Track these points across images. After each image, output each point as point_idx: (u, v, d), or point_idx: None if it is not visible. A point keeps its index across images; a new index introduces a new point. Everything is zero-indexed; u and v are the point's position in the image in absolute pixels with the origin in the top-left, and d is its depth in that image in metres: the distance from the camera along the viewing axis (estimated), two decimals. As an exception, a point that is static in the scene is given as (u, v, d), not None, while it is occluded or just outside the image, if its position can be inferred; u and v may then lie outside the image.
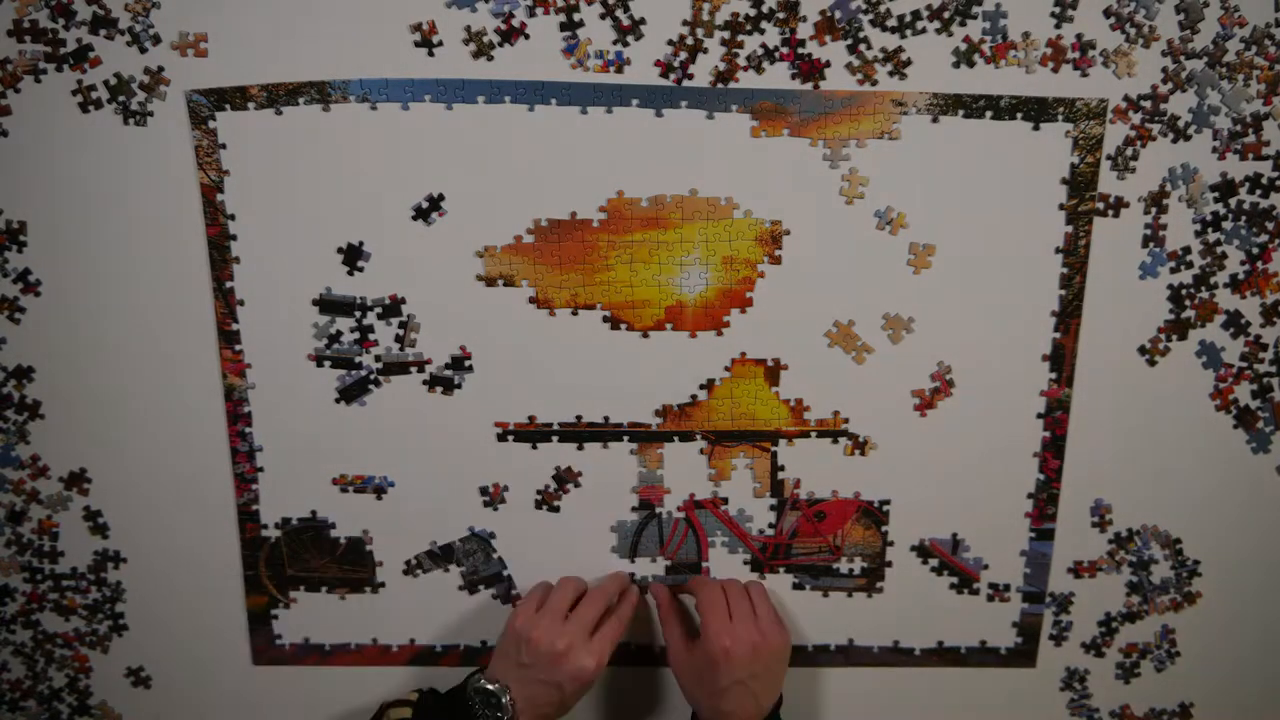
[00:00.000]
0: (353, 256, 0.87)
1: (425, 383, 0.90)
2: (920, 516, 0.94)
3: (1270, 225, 0.87)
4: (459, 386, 0.90)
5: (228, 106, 0.83)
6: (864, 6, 0.82)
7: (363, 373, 0.89)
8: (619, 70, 0.83)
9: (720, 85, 0.83)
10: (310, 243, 0.86)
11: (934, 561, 0.95)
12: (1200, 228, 0.87)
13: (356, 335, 0.89)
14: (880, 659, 0.97)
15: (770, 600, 0.90)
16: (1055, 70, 0.83)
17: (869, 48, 0.83)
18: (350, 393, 0.90)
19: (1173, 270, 0.88)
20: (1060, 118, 0.84)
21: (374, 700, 0.94)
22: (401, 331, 0.89)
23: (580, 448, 0.92)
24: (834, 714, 0.99)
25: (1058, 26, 0.82)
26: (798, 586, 0.96)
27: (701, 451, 0.92)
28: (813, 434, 0.91)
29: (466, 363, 0.90)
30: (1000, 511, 0.94)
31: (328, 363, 0.89)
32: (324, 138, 0.84)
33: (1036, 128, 0.84)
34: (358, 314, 0.88)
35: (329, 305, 0.88)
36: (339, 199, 0.85)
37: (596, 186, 0.85)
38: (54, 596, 0.95)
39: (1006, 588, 0.96)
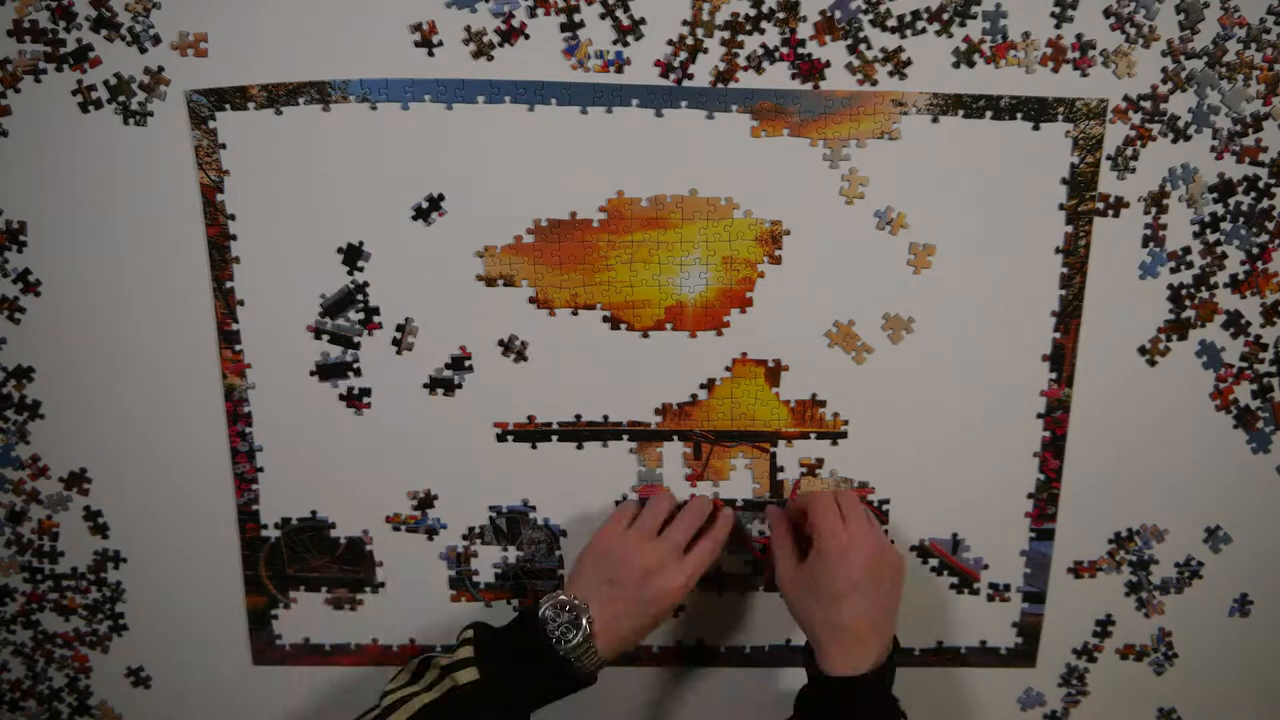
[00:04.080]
0: (353, 256, 0.87)
1: (425, 385, 0.90)
2: (920, 516, 0.94)
3: (1270, 225, 0.87)
4: (459, 386, 0.90)
5: (228, 106, 0.83)
6: (864, 6, 0.82)
7: (361, 376, 0.89)
8: (619, 70, 0.83)
9: (720, 85, 0.84)
10: (310, 243, 0.86)
11: (934, 561, 0.95)
12: (1200, 228, 0.87)
13: (357, 335, 0.89)
14: (880, 659, 0.97)
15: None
16: (1055, 70, 0.83)
17: (869, 48, 0.83)
18: (351, 396, 0.90)
19: (1173, 270, 0.88)
20: (1060, 118, 0.84)
21: (373, 700, 0.94)
22: (399, 335, 0.89)
23: (580, 447, 0.92)
24: (834, 714, 0.99)
25: (1058, 26, 0.82)
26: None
27: (684, 461, 0.92)
28: (812, 435, 0.91)
29: (466, 363, 0.90)
30: (1000, 511, 0.94)
31: (328, 365, 0.89)
32: (324, 138, 0.84)
33: (1036, 128, 0.84)
34: (358, 314, 0.88)
35: (329, 305, 0.88)
36: (339, 199, 0.85)
37: (596, 186, 0.85)
38: (54, 596, 0.95)
39: (1006, 588, 0.96)
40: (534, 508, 0.93)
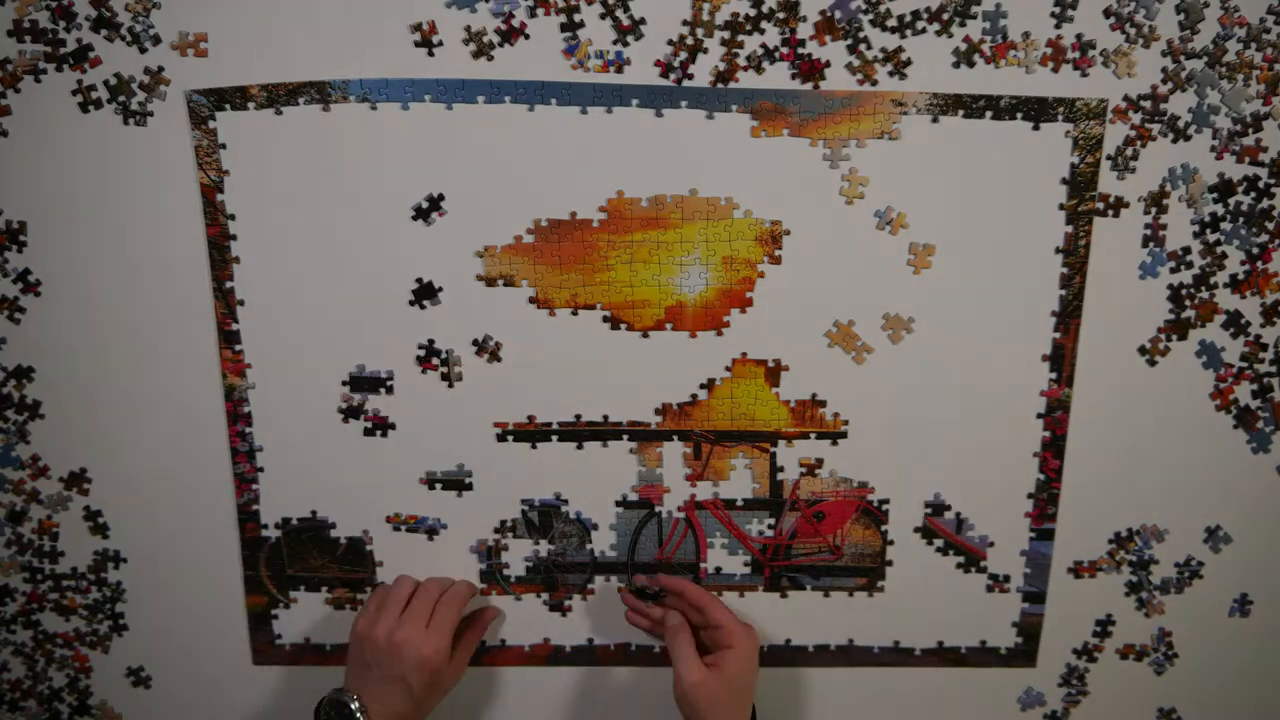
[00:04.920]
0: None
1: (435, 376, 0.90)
2: (919, 516, 0.94)
3: (1270, 225, 0.87)
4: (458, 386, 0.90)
5: (228, 106, 0.83)
6: (864, 6, 0.82)
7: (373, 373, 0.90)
8: (619, 70, 0.83)
9: (720, 85, 0.84)
10: (310, 242, 0.86)
11: (939, 542, 0.94)
12: (1200, 228, 0.87)
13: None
14: (880, 659, 0.97)
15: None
16: (1055, 70, 0.83)
17: (869, 48, 0.83)
18: (360, 384, 0.90)
19: (1173, 270, 0.88)
20: (1060, 118, 0.84)
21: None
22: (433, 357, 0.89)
23: (580, 447, 0.92)
24: (835, 714, 0.99)
25: (1058, 26, 0.82)
26: (798, 586, 0.96)
27: (684, 461, 0.92)
28: (812, 435, 0.91)
29: (466, 362, 0.89)
30: (1000, 512, 0.94)
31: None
32: (324, 138, 0.84)
33: (1036, 128, 0.84)
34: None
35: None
36: (339, 199, 0.85)
37: (596, 186, 0.86)
38: (54, 596, 0.95)
39: (1006, 579, 0.96)
40: (566, 501, 0.93)
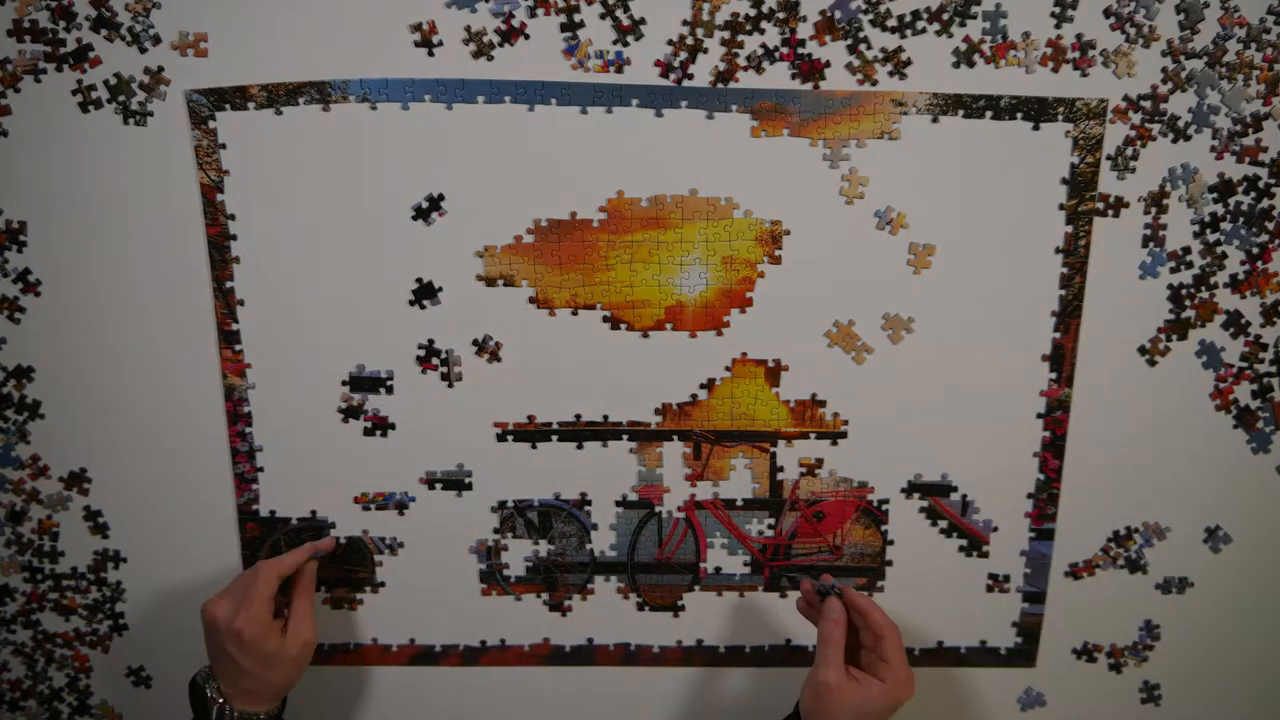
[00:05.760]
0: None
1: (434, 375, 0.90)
2: (921, 503, 0.94)
3: (1270, 225, 0.87)
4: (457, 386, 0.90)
5: (228, 106, 0.83)
6: (864, 6, 0.82)
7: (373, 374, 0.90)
8: (619, 70, 0.83)
9: (720, 85, 0.84)
10: (310, 242, 0.86)
11: (944, 523, 0.94)
12: (1200, 228, 0.87)
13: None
14: (880, 659, 0.97)
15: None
16: (1055, 70, 0.83)
17: (869, 48, 0.83)
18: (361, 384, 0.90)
19: (1173, 270, 0.88)
20: (1060, 118, 0.84)
21: (373, 700, 0.94)
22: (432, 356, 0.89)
23: (580, 447, 0.92)
24: (834, 714, 0.99)
25: (1058, 26, 0.82)
26: (797, 586, 0.96)
27: (684, 461, 0.92)
28: (812, 435, 0.91)
29: (466, 362, 0.89)
30: (1000, 511, 0.94)
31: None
32: (324, 138, 0.84)
33: (1036, 128, 0.84)
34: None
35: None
36: (339, 199, 0.85)
37: (596, 186, 0.86)
38: (54, 596, 0.95)
39: (1006, 579, 0.96)
40: (566, 501, 0.93)
